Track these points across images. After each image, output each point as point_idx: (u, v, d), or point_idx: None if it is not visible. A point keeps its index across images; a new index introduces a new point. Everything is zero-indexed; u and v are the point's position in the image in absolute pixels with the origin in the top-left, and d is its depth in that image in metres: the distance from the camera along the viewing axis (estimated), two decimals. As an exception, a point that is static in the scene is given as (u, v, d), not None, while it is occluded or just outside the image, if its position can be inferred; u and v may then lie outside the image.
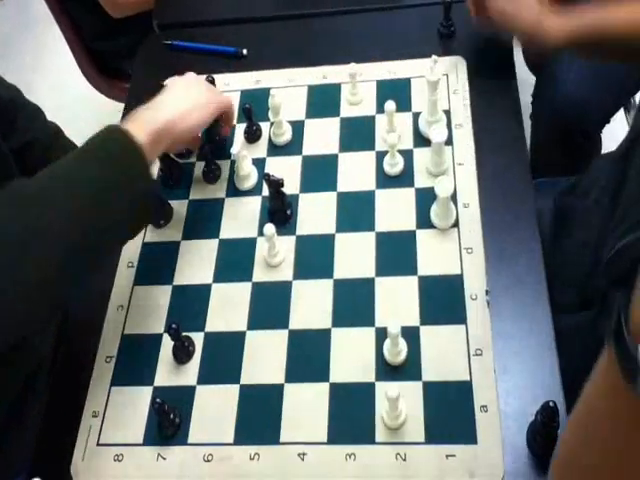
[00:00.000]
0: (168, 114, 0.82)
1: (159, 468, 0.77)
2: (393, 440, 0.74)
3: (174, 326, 0.80)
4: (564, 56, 1.15)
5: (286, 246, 0.90)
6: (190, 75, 0.93)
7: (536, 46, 0.89)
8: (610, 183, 0.84)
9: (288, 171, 0.96)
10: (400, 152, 0.93)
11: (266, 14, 1.18)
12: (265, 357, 0.82)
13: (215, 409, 0.80)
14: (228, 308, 0.86)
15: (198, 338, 0.85)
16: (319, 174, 0.96)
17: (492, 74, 0.99)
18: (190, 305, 0.88)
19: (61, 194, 0.70)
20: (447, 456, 0.73)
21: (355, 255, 0.88)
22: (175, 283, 0.90)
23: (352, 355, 0.80)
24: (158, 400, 0.75)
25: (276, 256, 0.88)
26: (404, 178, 0.93)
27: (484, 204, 0.89)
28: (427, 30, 1.08)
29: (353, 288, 0.85)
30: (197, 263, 0.91)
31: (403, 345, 0.78)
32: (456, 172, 0.92)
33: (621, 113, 1.47)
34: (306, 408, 0.78)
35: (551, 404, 0.67)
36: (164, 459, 0.77)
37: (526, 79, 1.01)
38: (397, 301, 0.83)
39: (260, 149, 1.00)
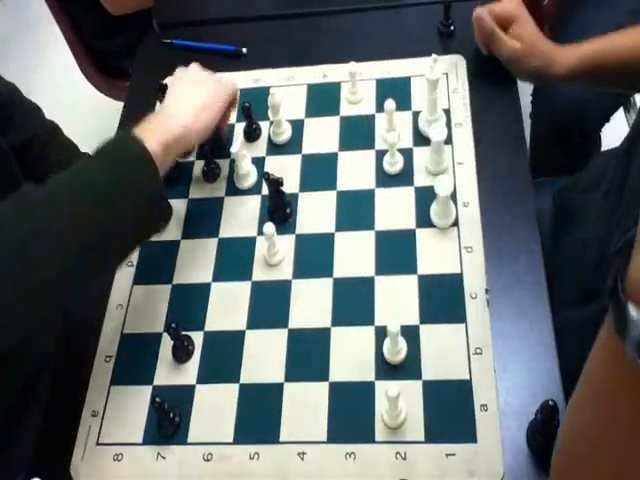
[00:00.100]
0: (180, 122, 0.81)
1: (159, 467, 0.77)
2: (393, 439, 0.74)
3: (173, 325, 0.80)
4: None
5: (286, 245, 0.90)
6: (193, 67, 0.92)
7: (546, 80, 0.92)
8: (614, 179, 0.84)
9: (288, 170, 0.96)
10: (400, 151, 0.93)
11: (266, 13, 1.19)
12: (265, 356, 0.82)
13: (215, 408, 0.80)
14: (228, 307, 0.86)
15: (198, 337, 0.85)
16: (319, 173, 0.96)
17: (492, 73, 0.99)
18: (189, 304, 0.88)
19: (65, 197, 0.70)
20: (447, 455, 0.73)
21: (355, 254, 0.88)
22: (174, 282, 0.90)
23: (352, 354, 0.80)
24: (158, 399, 0.75)
25: (276, 255, 0.88)
26: (404, 177, 0.93)
27: (484, 203, 0.89)
28: (427, 29, 1.08)
29: (353, 287, 0.85)
30: (196, 262, 0.91)
31: (403, 344, 0.78)
32: (456, 171, 0.92)
33: (621, 113, 1.46)
34: (306, 407, 0.78)
35: (551, 403, 0.67)
36: (164, 458, 0.77)
37: (526, 78, 1.01)
38: (397, 300, 0.83)
39: (260, 148, 1.00)
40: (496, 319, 0.80)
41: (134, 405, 0.81)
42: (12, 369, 0.90)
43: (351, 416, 0.77)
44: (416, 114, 0.98)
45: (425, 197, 0.90)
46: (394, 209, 0.90)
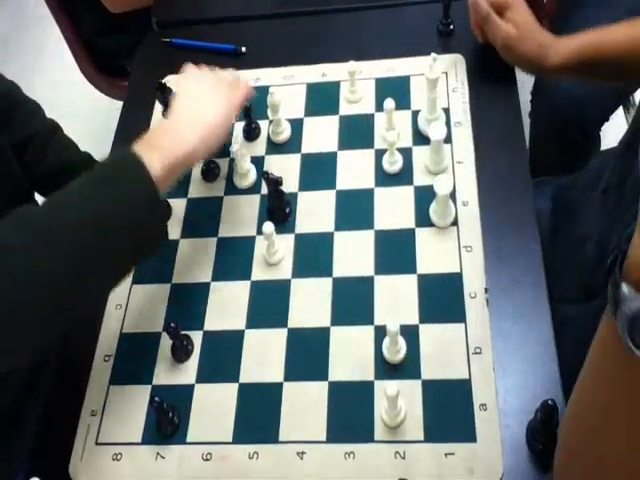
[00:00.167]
0: (189, 143, 0.76)
1: (158, 467, 0.77)
2: (392, 438, 0.74)
3: (173, 325, 0.80)
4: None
5: (285, 244, 0.90)
6: (203, 71, 0.88)
7: (539, 70, 0.92)
8: (613, 176, 0.84)
9: (287, 169, 0.96)
10: (399, 150, 0.93)
11: (265, 12, 1.18)
12: (264, 356, 0.82)
13: (214, 408, 0.79)
14: (227, 306, 0.86)
15: (197, 336, 0.84)
16: (318, 172, 0.96)
17: (491, 72, 0.99)
18: (189, 303, 0.87)
19: (63, 223, 0.67)
20: (446, 454, 0.73)
21: (354, 253, 0.87)
22: (174, 281, 0.90)
23: (351, 353, 0.80)
24: (157, 399, 0.75)
25: (275, 254, 0.88)
26: (403, 176, 0.93)
27: (483, 202, 0.89)
28: (426, 28, 1.08)
29: (352, 286, 0.85)
30: (196, 261, 0.91)
31: (402, 343, 0.78)
32: (455, 170, 0.92)
33: (621, 112, 1.46)
34: (305, 407, 0.78)
35: (550, 402, 0.67)
36: (163, 458, 0.77)
37: (525, 77, 1.01)
38: (396, 299, 0.83)
39: (259, 147, 1.00)
40: (496, 318, 0.80)
41: (133, 405, 0.81)
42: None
43: (350, 416, 0.77)
44: (415, 113, 0.98)
45: (424, 196, 0.89)
46: (393, 208, 0.90)
